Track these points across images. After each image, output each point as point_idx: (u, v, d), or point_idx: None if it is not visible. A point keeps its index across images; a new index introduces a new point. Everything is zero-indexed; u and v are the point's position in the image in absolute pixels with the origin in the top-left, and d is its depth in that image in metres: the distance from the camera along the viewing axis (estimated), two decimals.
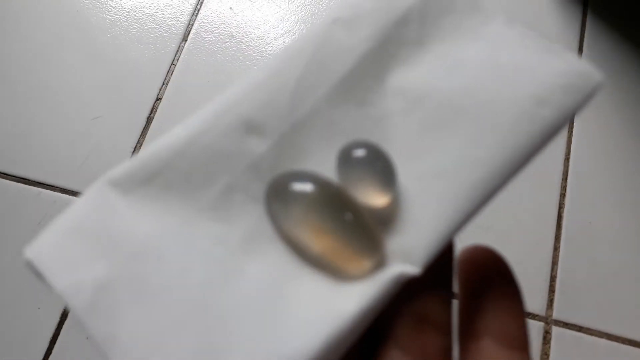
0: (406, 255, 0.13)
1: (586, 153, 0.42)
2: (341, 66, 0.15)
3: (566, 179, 0.42)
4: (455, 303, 0.14)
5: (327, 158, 0.14)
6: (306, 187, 0.13)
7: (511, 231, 0.40)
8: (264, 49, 0.46)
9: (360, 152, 0.14)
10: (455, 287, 0.14)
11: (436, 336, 0.13)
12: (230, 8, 0.47)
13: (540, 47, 0.15)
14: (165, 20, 0.47)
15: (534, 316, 0.38)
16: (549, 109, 0.13)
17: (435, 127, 0.14)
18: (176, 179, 0.14)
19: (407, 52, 0.15)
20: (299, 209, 0.13)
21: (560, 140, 0.43)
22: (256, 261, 0.13)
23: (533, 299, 0.39)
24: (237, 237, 0.14)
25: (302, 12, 0.47)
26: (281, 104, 0.14)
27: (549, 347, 0.38)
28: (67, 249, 0.13)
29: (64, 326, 0.39)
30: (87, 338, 0.13)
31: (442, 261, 0.14)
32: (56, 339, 0.38)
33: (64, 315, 0.39)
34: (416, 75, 0.15)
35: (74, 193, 0.42)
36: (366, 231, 0.13)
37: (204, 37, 0.46)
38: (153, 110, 0.44)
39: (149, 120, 0.43)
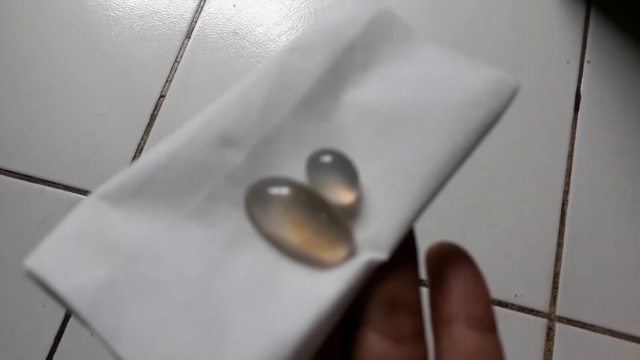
0: (374, 243, 0.15)
1: (590, 149, 0.42)
2: (301, 87, 0.17)
3: (570, 175, 0.42)
4: (425, 295, 0.15)
5: (296, 165, 0.16)
6: (282, 190, 0.15)
7: (515, 228, 0.40)
8: (267, 46, 0.46)
9: (327, 158, 0.16)
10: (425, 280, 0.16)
11: (408, 317, 0.14)
12: (234, 5, 0.47)
13: (466, 62, 0.18)
14: (168, 18, 0.47)
15: (537, 313, 0.38)
16: (479, 110, 0.16)
17: (386, 133, 0.17)
18: (162, 190, 0.15)
19: (355, 75, 0.18)
20: (278, 209, 0.15)
21: (564, 136, 0.43)
22: (242, 258, 0.15)
23: (536, 296, 0.39)
24: (223, 238, 0.15)
25: (305, 9, 0.47)
26: (252, 120, 0.17)
27: (552, 344, 0.38)
28: (66, 256, 0.14)
29: (69, 323, 0.39)
30: (92, 335, 0.13)
31: (406, 247, 0.15)
32: (61, 336, 0.38)
33: (68, 314, 0.39)
34: (365, 93, 0.18)
35: (78, 190, 0.42)
36: (338, 224, 0.15)
37: (208, 35, 0.46)
38: (157, 108, 0.44)
39: (153, 117, 0.43)
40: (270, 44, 0.46)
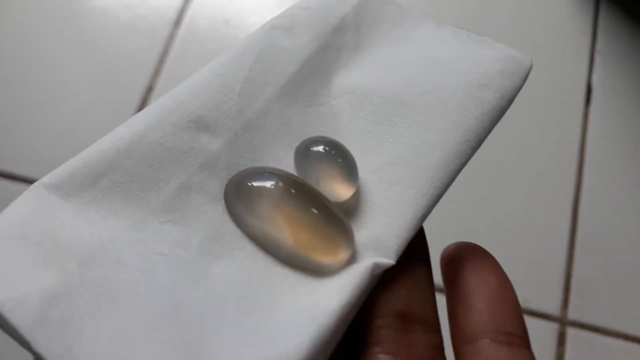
0: (378, 245, 0.13)
1: (602, 144, 0.41)
2: (286, 69, 0.15)
3: (581, 172, 0.40)
4: (442, 303, 0.13)
5: (283, 156, 0.15)
6: (271, 182, 0.13)
7: (525, 228, 0.39)
8: None
9: (319, 147, 0.14)
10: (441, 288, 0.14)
11: (424, 334, 0.13)
12: None
13: (472, 41, 0.16)
14: (157, 6, 0.46)
15: (549, 317, 0.37)
16: (490, 92, 0.15)
17: (384, 119, 0.15)
18: (123, 180, 0.13)
19: (346, 57, 0.16)
20: (266, 204, 0.13)
21: (575, 131, 0.42)
22: (223, 263, 0.13)
23: (547, 299, 0.37)
24: (198, 239, 0.13)
25: None
26: (230, 103, 0.14)
27: (565, 350, 0.36)
28: (5, 260, 0.12)
29: None
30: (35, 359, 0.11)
31: (414, 249, 0.14)
32: None
33: None
34: (358, 77, 0.16)
35: None
36: (338, 222, 0.13)
37: (199, 24, 0.45)
38: (145, 101, 0.43)
39: (141, 110, 0.42)
40: None
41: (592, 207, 0.40)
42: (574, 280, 0.38)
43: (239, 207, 0.13)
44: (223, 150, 0.14)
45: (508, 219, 0.39)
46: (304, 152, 0.14)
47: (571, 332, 0.37)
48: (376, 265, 0.13)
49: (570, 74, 0.43)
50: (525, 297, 0.38)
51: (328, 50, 0.16)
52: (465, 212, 0.39)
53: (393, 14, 0.17)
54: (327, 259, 0.13)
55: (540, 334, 0.37)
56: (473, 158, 0.14)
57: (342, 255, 0.13)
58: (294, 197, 0.13)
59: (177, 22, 0.45)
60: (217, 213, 0.14)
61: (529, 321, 0.38)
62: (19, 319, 0.11)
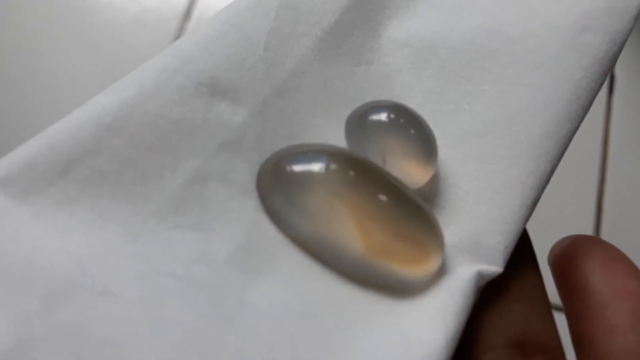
0: (474, 247, 0.10)
1: (627, 134, 0.40)
2: (322, 17, 0.12)
3: (605, 163, 0.40)
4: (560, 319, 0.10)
5: (330, 130, 0.11)
6: (322, 164, 0.10)
7: (548, 221, 0.38)
8: None
9: (382, 115, 0.11)
10: (554, 297, 0.11)
11: None
12: None
13: None
14: None
15: None
16: (597, 35, 0.12)
17: (459, 77, 0.12)
18: (109, 167, 0.09)
19: (396, 3, 0.13)
20: (320, 196, 0.10)
21: (598, 121, 0.41)
22: (264, 283, 0.09)
23: None
24: (225, 249, 0.09)
25: None
26: (253, 61, 0.11)
27: None
28: None
29: None
30: None
31: (520, 253, 0.10)
32: None
33: None
34: (416, 26, 0.12)
35: None
36: (425, 217, 0.10)
37: (209, 15, 0.44)
38: None
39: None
40: None
41: (616, 198, 0.39)
42: None
43: (280, 200, 0.10)
44: (250, 123, 0.11)
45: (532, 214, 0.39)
46: (359, 123, 0.11)
47: None
48: (480, 276, 0.10)
49: None
50: (551, 292, 0.37)
51: None
52: None
53: None
54: (412, 269, 0.10)
55: (566, 330, 0.36)
56: None
57: (433, 263, 0.10)
58: (359, 184, 0.10)
59: (187, 14, 0.44)
60: (249, 210, 0.10)
61: (557, 317, 0.37)
62: None
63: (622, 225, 0.38)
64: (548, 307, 0.10)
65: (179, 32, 0.43)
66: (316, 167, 0.10)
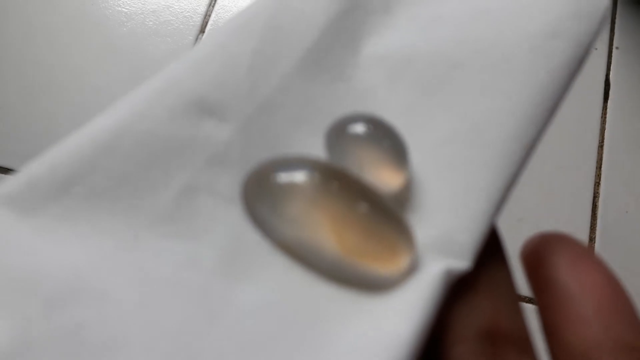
0: (444, 245, 0.10)
1: (621, 139, 0.41)
2: (304, 37, 0.12)
3: (600, 167, 0.40)
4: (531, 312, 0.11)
5: (311, 142, 0.12)
6: (302, 174, 0.10)
7: (544, 222, 0.39)
8: None
9: (358, 127, 0.11)
10: (525, 290, 0.11)
11: (518, 356, 0.10)
12: None
13: None
14: (182, 12, 0.46)
15: None
16: (563, 40, 0.12)
17: (432, 88, 0.12)
18: (105, 184, 0.10)
19: (375, 20, 0.13)
20: (300, 203, 0.10)
21: (593, 126, 0.41)
22: (249, 285, 0.10)
23: None
24: (212, 256, 0.10)
25: None
26: (238, 80, 0.11)
27: None
28: None
29: None
30: None
31: (489, 249, 0.11)
32: None
33: None
34: (392, 41, 0.13)
35: None
36: (395, 220, 0.10)
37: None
38: None
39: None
40: None
41: (611, 201, 0.40)
42: None
43: (264, 209, 0.11)
44: (235, 139, 0.11)
45: (526, 215, 0.39)
46: (337, 135, 0.11)
47: None
48: (449, 272, 0.10)
49: (588, 70, 0.43)
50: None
51: (353, 12, 0.13)
52: None
53: None
54: (384, 267, 0.10)
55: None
56: None
57: (403, 261, 0.10)
58: (335, 192, 0.10)
59: (202, 27, 0.46)
60: (234, 219, 0.11)
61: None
62: None
63: (616, 225, 0.39)
64: (517, 300, 0.11)
65: (194, 44, 0.45)
66: (296, 177, 0.10)
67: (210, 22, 0.46)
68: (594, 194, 0.40)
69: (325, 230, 0.10)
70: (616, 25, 0.44)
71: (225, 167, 0.11)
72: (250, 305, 0.09)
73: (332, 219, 0.10)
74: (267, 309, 0.09)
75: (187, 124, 0.11)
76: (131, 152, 0.10)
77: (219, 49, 0.12)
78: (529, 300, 0.11)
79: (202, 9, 0.46)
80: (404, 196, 0.11)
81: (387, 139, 0.11)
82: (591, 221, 0.39)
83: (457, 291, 0.10)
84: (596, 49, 0.44)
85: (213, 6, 0.46)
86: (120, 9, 0.47)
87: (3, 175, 0.42)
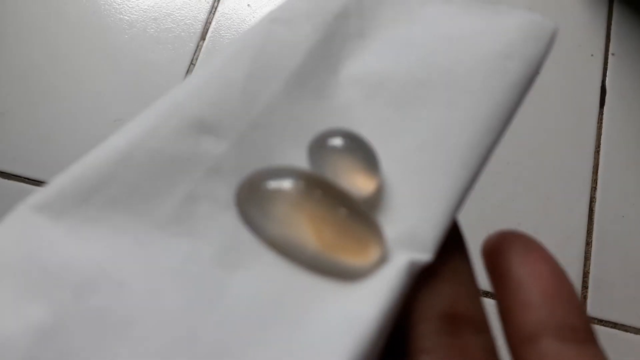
0: (411, 240, 0.12)
1: (617, 144, 0.42)
2: (289, 62, 0.14)
3: (597, 172, 0.41)
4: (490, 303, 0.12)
5: (295, 154, 0.13)
6: (286, 181, 0.12)
7: (541, 227, 0.40)
8: None
9: (336, 140, 0.13)
10: (485, 283, 0.13)
11: (476, 337, 0.11)
12: (248, 5, 0.47)
13: (487, 11, 0.15)
14: (182, 19, 0.47)
15: None
16: (515, 61, 0.14)
17: (402, 104, 0.14)
18: (121, 193, 0.12)
19: (352, 45, 0.15)
20: (284, 205, 0.12)
21: (590, 132, 0.42)
22: (241, 275, 0.12)
23: None
24: (211, 251, 0.12)
25: None
26: (233, 102, 0.13)
27: None
28: None
29: None
30: None
31: (450, 241, 0.12)
32: None
33: None
34: (368, 64, 0.15)
35: None
36: (366, 219, 0.12)
37: (223, 35, 0.46)
38: None
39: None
40: None
41: (607, 205, 0.40)
42: (591, 278, 0.38)
43: (254, 211, 0.12)
44: (230, 153, 0.13)
45: (524, 220, 0.40)
46: (318, 147, 0.13)
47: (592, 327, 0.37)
48: (412, 263, 0.11)
49: (584, 76, 0.43)
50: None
51: (332, 39, 0.15)
52: (483, 213, 0.40)
53: None
54: (356, 259, 0.12)
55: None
56: (491, 159, 0.14)
57: (373, 254, 0.12)
58: (314, 195, 0.12)
59: (202, 35, 0.46)
60: (229, 221, 0.12)
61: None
62: None
63: (612, 230, 0.39)
64: (476, 288, 0.12)
65: (195, 52, 0.45)
66: (282, 184, 0.12)
67: (210, 30, 0.46)
68: (591, 198, 0.40)
69: (306, 228, 0.12)
70: (612, 32, 0.45)
71: (222, 177, 0.13)
72: (243, 292, 0.11)
73: (312, 219, 0.12)
74: (257, 295, 0.11)
75: (188, 141, 0.13)
76: (142, 166, 0.12)
77: (216, 75, 0.14)
78: (490, 295, 0.12)
79: (203, 16, 0.47)
80: (376, 199, 0.13)
81: (360, 150, 0.13)
82: (588, 225, 0.39)
83: (421, 279, 0.12)
84: (592, 55, 0.44)
85: (213, 14, 0.47)
86: (121, 16, 0.47)
87: (4, 180, 0.42)
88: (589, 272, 0.38)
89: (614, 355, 0.37)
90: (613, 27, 0.45)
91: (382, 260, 0.12)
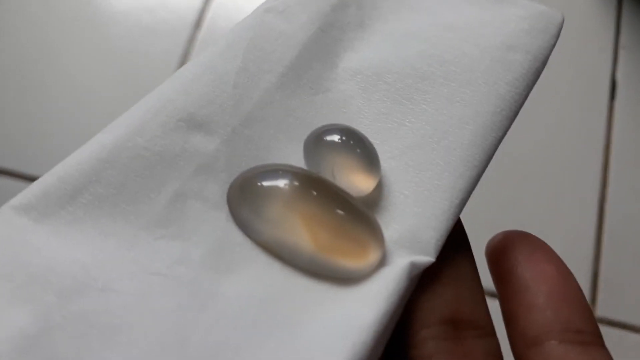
0: (411, 241, 0.12)
1: (629, 139, 0.41)
2: (284, 54, 0.14)
3: (607, 168, 0.40)
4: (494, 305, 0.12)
5: (290, 151, 0.13)
6: (280, 180, 0.12)
7: (550, 227, 0.39)
8: None
9: (334, 136, 0.13)
10: (488, 284, 0.12)
11: (479, 341, 0.11)
12: None
13: (490, 1, 0.14)
14: (177, 10, 0.46)
15: None
16: (520, 53, 0.13)
17: (402, 98, 0.13)
18: (106, 193, 0.11)
19: (351, 36, 0.15)
20: (278, 206, 0.12)
21: (600, 127, 0.41)
22: (233, 279, 0.11)
23: None
24: (200, 253, 0.11)
25: None
26: (223, 97, 0.13)
27: None
28: None
29: None
30: None
31: (453, 242, 0.12)
32: None
33: None
34: (367, 56, 0.14)
35: None
36: (365, 219, 0.12)
37: (219, 25, 0.45)
38: None
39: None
40: None
41: (618, 203, 0.39)
42: (602, 278, 0.37)
43: (246, 212, 0.12)
44: (221, 150, 0.12)
45: (533, 217, 0.39)
46: (314, 144, 0.13)
47: (600, 330, 0.37)
48: (413, 265, 0.11)
49: (594, 69, 0.43)
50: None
51: (329, 30, 0.14)
52: (488, 211, 0.39)
53: None
54: (354, 262, 0.11)
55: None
56: (497, 156, 0.13)
57: (372, 256, 0.11)
58: (310, 195, 0.12)
59: (197, 24, 0.45)
60: (220, 221, 0.12)
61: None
62: None
63: (623, 227, 0.39)
64: (480, 291, 0.12)
65: (190, 42, 0.45)
66: (275, 183, 0.12)
67: (207, 19, 0.45)
68: (601, 196, 0.39)
69: (301, 230, 0.11)
70: (622, 25, 0.44)
71: (212, 176, 0.12)
72: (235, 296, 0.11)
73: (308, 220, 0.11)
74: (249, 299, 0.11)
75: (177, 138, 0.12)
76: (129, 165, 0.12)
77: (206, 69, 0.13)
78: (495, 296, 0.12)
79: (198, 5, 0.46)
80: (375, 198, 0.12)
81: (359, 147, 0.12)
82: (598, 225, 0.39)
83: (423, 282, 0.11)
84: (602, 48, 0.44)
85: (209, 2, 0.46)
86: (114, 7, 0.46)
87: None
88: (599, 273, 0.38)
89: (624, 358, 0.36)
90: (623, 20, 0.44)
91: (381, 262, 0.11)
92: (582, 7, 0.45)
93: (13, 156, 0.41)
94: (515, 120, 0.13)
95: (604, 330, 0.36)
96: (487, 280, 0.13)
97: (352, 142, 0.12)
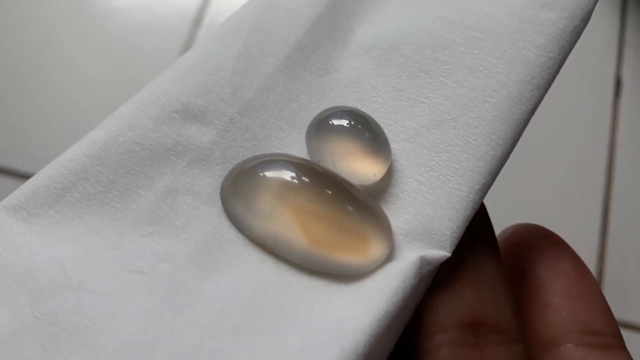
0: (425, 234, 0.10)
1: (633, 137, 0.40)
2: (290, 35, 0.13)
3: (612, 166, 0.39)
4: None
5: (292, 140, 0.12)
6: (274, 171, 0.11)
7: (554, 225, 0.38)
8: None
9: (334, 121, 0.11)
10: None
11: (503, 348, 0.10)
12: None
13: None
14: (177, 6, 0.45)
15: None
16: (555, 11, 0.11)
17: (419, 71, 0.12)
18: (94, 190, 0.11)
19: (367, 6, 0.13)
20: (268, 199, 0.11)
21: (604, 124, 0.41)
22: (220, 277, 0.10)
23: None
24: (187, 250, 0.11)
25: None
26: (221, 85, 0.12)
27: None
28: None
29: None
30: None
31: (478, 236, 0.10)
32: None
33: None
34: (384, 28, 0.13)
35: None
36: (368, 210, 0.11)
37: (219, 21, 0.44)
38: None
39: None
40: None
41: (623, 201, 0.39)
42: (607, 278, 0.37)
43: (238, 206, 0.11)
44: (216, 141, 0.12)
45: (537, 215, 0.38)
46: (316, 129, 0.12)
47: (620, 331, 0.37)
48: (424, 260, 0.10)
49: (599, 67, 0.42)
50: None
51: (341, 2, 0.13)
52: (493, 210, 0.38)
53: None
54: (355, 257, 0.10)
55: None
56: None
57: (375, 250, 0.10)
58: (303, 185, 0.11)
59: (197, 21, 0.45)
60: (212, 217, 0.11)
61: None
62: None
63: (628, 226, 0.38)
64: (505, 290, 0.10)
65: (189, 38, 0.44)
66: (267, 174, 0.11)
67: (206, 16, 0.45)
68: (606, 195, 0.39)
69: (294, 224, 0.11)
70: (627, 23, 0.44)
71: (206, 169, 0.12)
72: (218, 293, 0.10)
73: (298, 213, 0.10)
74: (235, 299, 0.10)
75: (170, 131, 0.12)
76: (119, 161, 0.11)
77: (205, 56, 0.12)
78: None
79: (198, 2, 0.45)
80: (384, 186, 0.11)
81: (367, 131, 0.11)
82: (603, 223, 0.38)
83: (439, 281, 0.10)
84: (607, 46, 0.43)
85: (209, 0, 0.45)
86: (112, 2, 0.45)
87: None
88: (604, 272, 0.37)
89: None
90: (628, 17, 0.44)
91: (389, 257, 0.10)
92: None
93: (9, 154, 0.41)
94: None
95: (620, 332, 0.36)
96: None
97: (359, 126, 0.11)
